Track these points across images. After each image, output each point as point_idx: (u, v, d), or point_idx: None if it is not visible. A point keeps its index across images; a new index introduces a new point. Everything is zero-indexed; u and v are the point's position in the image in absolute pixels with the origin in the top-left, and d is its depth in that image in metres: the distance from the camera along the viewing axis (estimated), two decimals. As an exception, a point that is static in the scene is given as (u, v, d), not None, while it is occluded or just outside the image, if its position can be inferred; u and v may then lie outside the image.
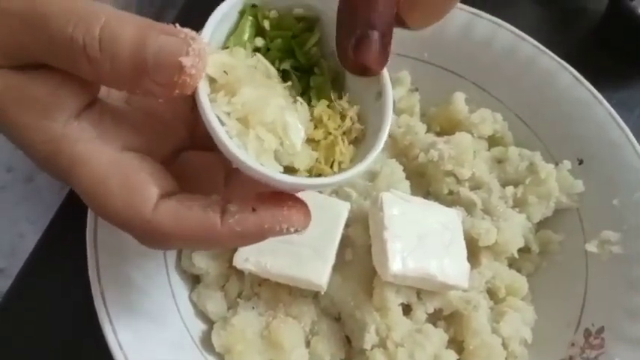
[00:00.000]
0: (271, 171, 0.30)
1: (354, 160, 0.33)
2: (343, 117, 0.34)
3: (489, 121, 0.55)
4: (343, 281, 0.46)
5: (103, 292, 0.40)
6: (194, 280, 0.48)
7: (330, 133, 0.33)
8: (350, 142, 0.34)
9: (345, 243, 0.48)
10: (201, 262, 0.46)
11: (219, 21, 0.32)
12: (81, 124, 0.30)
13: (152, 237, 0.30)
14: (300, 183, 0.31)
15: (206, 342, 0.45)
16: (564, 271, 0.50)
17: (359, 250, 0.48)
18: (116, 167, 0.29)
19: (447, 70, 0.58)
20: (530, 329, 0.47)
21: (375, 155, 0.32)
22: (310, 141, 0.33)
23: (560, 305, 0.49)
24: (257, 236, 0.31)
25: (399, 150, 0.54)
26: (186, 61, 0.27)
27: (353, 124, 0.34)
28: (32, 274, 0.53)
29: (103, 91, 0.32)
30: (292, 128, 0.31)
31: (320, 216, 0.46)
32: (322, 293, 0.45)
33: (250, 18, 0.34)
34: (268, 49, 0.34)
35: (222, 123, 0.30)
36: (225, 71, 0.30)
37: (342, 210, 0.47)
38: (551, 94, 0.54)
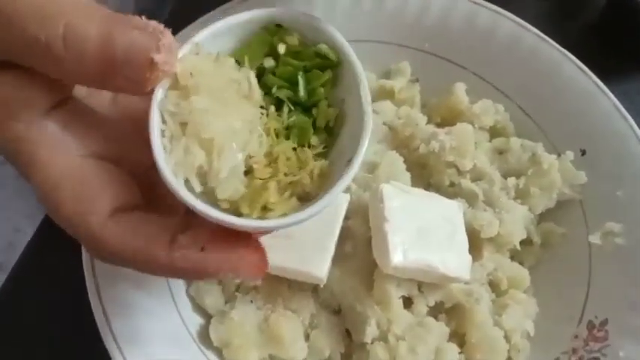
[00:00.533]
0: (179, 188, 0.28)
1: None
2: (303, 165, 0.31)
3: (491, 111, 0.54)
4: (343, 274, 0.46)
5: (98, 287, 0.40)
6: (191, 274, 0.48)
7: (273, 177, 0.31)
8: (292, 195, 0.31)
9: (344, 235, 0.47)
10: (199, 255, 0.46)
11: (231, 26, 0.31)
12: (46, 125, 0.28)
13: (97, 251, 0.29)
14: (215, 217, 0.28)
15: (204, 336, 0.45)
16: (567, 264, 0.50)
17: (359, 243, 0.47)
18: (71, 174, 0.28)
19: (448, 60, 0.57)
20: (532, 322, 0.47)
21: (311, 211, 0.30)
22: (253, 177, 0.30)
23: (563, 298, 0.48)
24: (198, 276, 0.30)
25: (399, 141, 0.53)
26: (158, 57, 0.26)
27: (311, 178, 0.31)
28: (28, 269, 0.53)
29: (83, 90, 0.31)
30: (227, 153, 0.28)
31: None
32: (322, 286, 0.45)
33: (268, 36, 0.33)
34: (274, 74, 0.33)
35: (164, 120, 0.28)
36: (191, 73, 0.29)
37: (342, 202, 0.46)
38: (554, 84, 0.53)
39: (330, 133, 0.34)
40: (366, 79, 0.32)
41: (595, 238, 0.48)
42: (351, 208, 0.48)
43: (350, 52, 0.33)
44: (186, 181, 0.28)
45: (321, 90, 0.33)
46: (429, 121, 0.55)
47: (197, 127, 0.28)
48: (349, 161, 0.31)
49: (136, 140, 0.31)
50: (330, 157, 0.33)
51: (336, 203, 0.46)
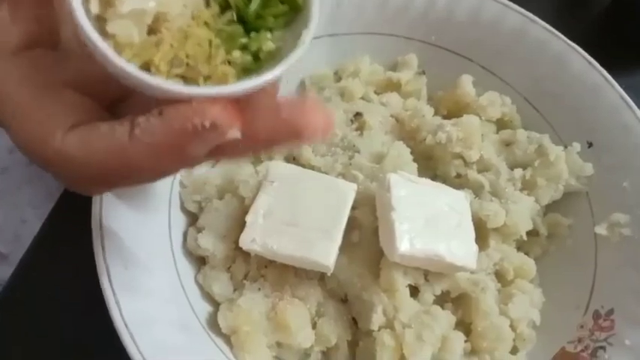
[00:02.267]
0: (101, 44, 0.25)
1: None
2: (209, 61, 0.28)
3: (497, 103, 0.55)
4: (350, 263, 0.46)
5: (108, 271, 0.40)
6: (200, 262, 0.48)
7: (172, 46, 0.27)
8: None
9: (352, 225, 0.47)
10: (207, 243, 0.46)
11: None
12: (18, 60, 0.28)
13: (66, 170, 0.28)
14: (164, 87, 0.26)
15: (212, 324, 0.45)
16: (573, 255, 0.50)
17: (366, 232, 0.47)
18: (34, 100, 0.28)
19: (454, 53, 0.58)
20: (538, 311, 0.47)
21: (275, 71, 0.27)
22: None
23: (569, 288, 0.48)
24: (172, 147, 0.27)
25: (406, 133, 0.54)
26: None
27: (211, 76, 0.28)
28: (35, 261, 0.53)
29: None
30: None
31: (326, 197, 0.46)
32: (329, 275, 0.45)
33: None
34: None
35: None
36: None
37: (349, 191, 0.47)
38: (560, 76, 0.54)
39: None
40: (314, 27, 0.29)
41: (601, 229, 0.49)
42: (358, 198, 0.48)
43: (316, 3, 0.30)
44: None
45: (271, 19, 0.30)
46: (435, 114, 0.56)
47: None
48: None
49: (101, 73, 0.29)
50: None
51: (343, 192, 0.46)
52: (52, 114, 0.28)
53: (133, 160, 0.27)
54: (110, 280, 0.40)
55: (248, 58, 0.29)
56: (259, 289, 0.46)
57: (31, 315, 0.50)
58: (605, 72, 0.52)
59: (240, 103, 0.27)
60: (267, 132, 0.28)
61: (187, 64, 0.28)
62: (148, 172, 0.29)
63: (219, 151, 0.28)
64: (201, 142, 0.27)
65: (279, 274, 0.46)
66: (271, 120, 0.28)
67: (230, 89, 0.27)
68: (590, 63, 0.52)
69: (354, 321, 0.47)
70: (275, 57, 0.30)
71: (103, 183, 0.30)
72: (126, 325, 0.39)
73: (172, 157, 0.27)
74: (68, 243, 0.49)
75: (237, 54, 0.29)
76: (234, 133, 0.26)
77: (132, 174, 0.28)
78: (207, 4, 0.29)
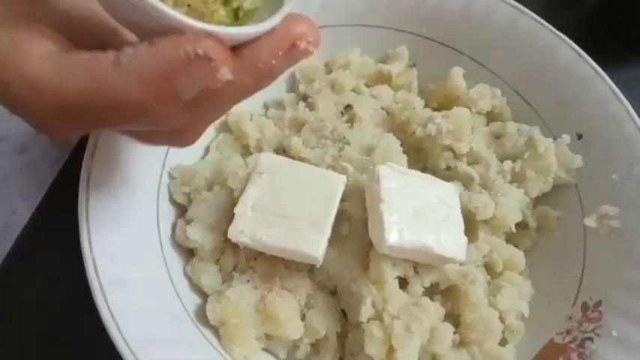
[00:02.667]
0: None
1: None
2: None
3: (488, 96, 0.54)
4: (339, 255, 0.46)
5: (95, 263, 0.40)
6: (188, 254, 0.48)
7: None
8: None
9: (341, 217, 0.47)
10: (196, 235, 0.46)
11: None
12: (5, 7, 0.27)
13: (37, 101, 0.25)
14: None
15: (201, 315, 0.45)
16: (562, 247, 0.50)
17: (355, 225, 0.47)
18: (8, 26, 0.26)
19: (445, 45, 0.58)
20: (527, 303, 0.47)
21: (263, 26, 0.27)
22: None
23: (558, 280, 0.49)
24: (160, 77, 0.25)
25: (396, 125, 0.54)
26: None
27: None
28: (24, 252, 0.53)
29: None
30: None
31: (316, 189, 0.46)
32: (318, 266, 0.45)
33: None
34: None
35: None
36: None
37: (339, 183, 0.47)
38: (551, 69, 0.53)
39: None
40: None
41: (590, 221, 0.49)
42: (348, 190, 0.48)
43: None
44: None
45: None
46: (425, 106, 0.55)
47: None
48: None
49: (83, 18, 0.29)
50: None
51: (333, 183, 0.46)
52: (27, 40, 0.26)
53: (117, 90, 0.25)
54: (97, 272, 0.40)
55: (225, 14, 0.29)
56: (248, 280, 0.46)
57: (19, 304, 0.50)
58: (594, 63, 0.52)
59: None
60: (263, 59, 0.27)
61: (189, 6, 0.28)
62: (130, 108, 0.26)
63: (211, 96, 0.27)
64: (191, 77, 0.25)
65: (269, 266, 0.46)
66: (265, 51, 0.27)
67: (237, 30, 0.26)
68: (579, 54, 0.52)
69: (344, 313, 0.47)
70: (252, 18, 0.29)
71: (77, 118, 0.26)
72: (113, 317, 0.38)
73: (159, 92, 0.25)
74: (57, 234, 0.49)
75: (219, 8, 0.29)
76: (226, 72, 0.25)
77: (112, 108, 0.25)
78: None
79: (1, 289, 0.51)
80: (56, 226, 0.49)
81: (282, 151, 0.52)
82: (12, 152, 0.59)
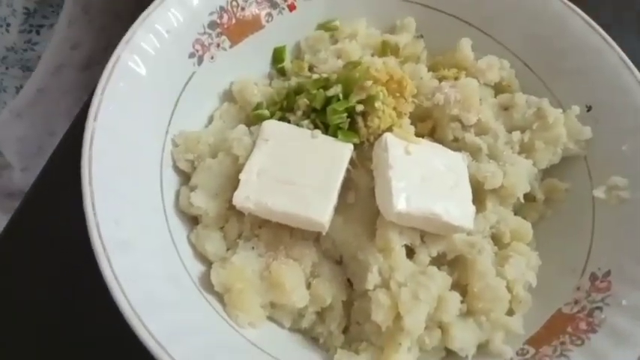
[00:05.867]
0: None
1: None
2: None
3: (496, 67, 0.54)
4: (345, 223, 0.45)
5: (98, 226, 0.39)
6: (193, 221, 0.47)
7: None
8: None
9: (348, 186, 0.46)
10: (200, 202, 0.45)
11: None
12: None
13: None
14: None
15: (205, 282, 0.44)
16: (570, 218, 0.50)
17: (362, 193, 0.47)
18: None
19: (453, 16, 0.57)
20: (534, 274, 0.47)
21: None
22: None
23: (566, 251, 0.48)
24: None
25: (403, 95, 0.53)
26: None
27: None
28: (27, 215, 0.53)
29: None
30: None
31: (322, 156, 0.45)
32: (324, 234, 0.44)
33: None
34: None
35: None
36: None
37: (345, 151, 0.46)
38: (560, 39, 0.53)
39: None
40: None
41: (599, 193, 0.48)
42: (355, 159, 0.47)
43: None
44: None
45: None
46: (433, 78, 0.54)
47: None
48: None
49: None
50: None
51: (339, 151, 0.46)
52: None
53: None
54: (100, 235, 0.39)
55: None
56: (253, 248, 0.45)
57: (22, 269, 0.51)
58: (604, 33, 0.51)
59: None
60: None
61: None
62: None
63: None
64: None
65: (274, 234, 0.46)
66: None
67: None
68: (589, 24, 0.51)
69: (349, 283, 0.46)
70: None
71: None
72: (116, 278, 0.38)
73: None
74: (60, 196, 0.47)
75: None
76: None
77: None
78: None
79: (5, 249, 0.51)
80: (59, 189, 0.48)
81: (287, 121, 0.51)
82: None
